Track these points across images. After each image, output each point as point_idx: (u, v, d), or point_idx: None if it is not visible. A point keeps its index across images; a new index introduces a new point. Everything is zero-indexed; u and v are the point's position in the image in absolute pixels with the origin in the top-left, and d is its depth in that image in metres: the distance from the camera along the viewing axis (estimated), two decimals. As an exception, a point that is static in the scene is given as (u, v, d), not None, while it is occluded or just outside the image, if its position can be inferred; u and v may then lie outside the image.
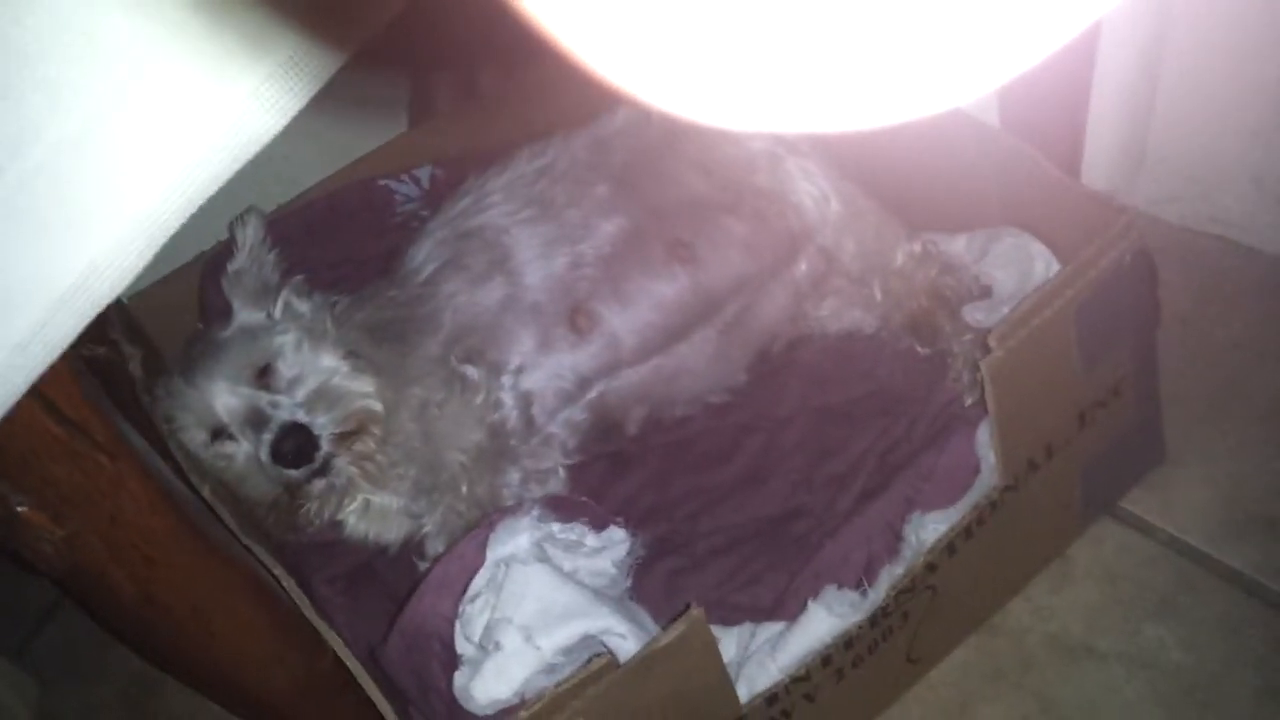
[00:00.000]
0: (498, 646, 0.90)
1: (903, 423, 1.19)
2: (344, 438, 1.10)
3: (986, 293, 1.16)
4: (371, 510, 1.18)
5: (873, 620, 0.98)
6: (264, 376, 1.11)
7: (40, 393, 0.68)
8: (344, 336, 1.16)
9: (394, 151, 1.47)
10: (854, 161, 1.23)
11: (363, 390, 1.13)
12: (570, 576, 0.95)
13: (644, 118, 1.24)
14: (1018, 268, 1.13)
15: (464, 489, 1.13)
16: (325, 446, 1.09)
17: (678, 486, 1.24)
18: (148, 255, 0.58)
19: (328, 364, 1.13)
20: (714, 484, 1.23)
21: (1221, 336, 1.28)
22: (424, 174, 1.47)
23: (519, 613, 0.91)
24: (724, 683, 0.93)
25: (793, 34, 0.24)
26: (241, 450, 1.09)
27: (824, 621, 0.97)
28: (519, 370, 1.18)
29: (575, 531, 1.00)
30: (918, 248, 1.21)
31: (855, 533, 1.02)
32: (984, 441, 1.01)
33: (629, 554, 1.03)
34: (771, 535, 1.16)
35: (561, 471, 1.19)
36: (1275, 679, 1.04)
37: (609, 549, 1.01)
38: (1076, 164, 1.31)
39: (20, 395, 0.59)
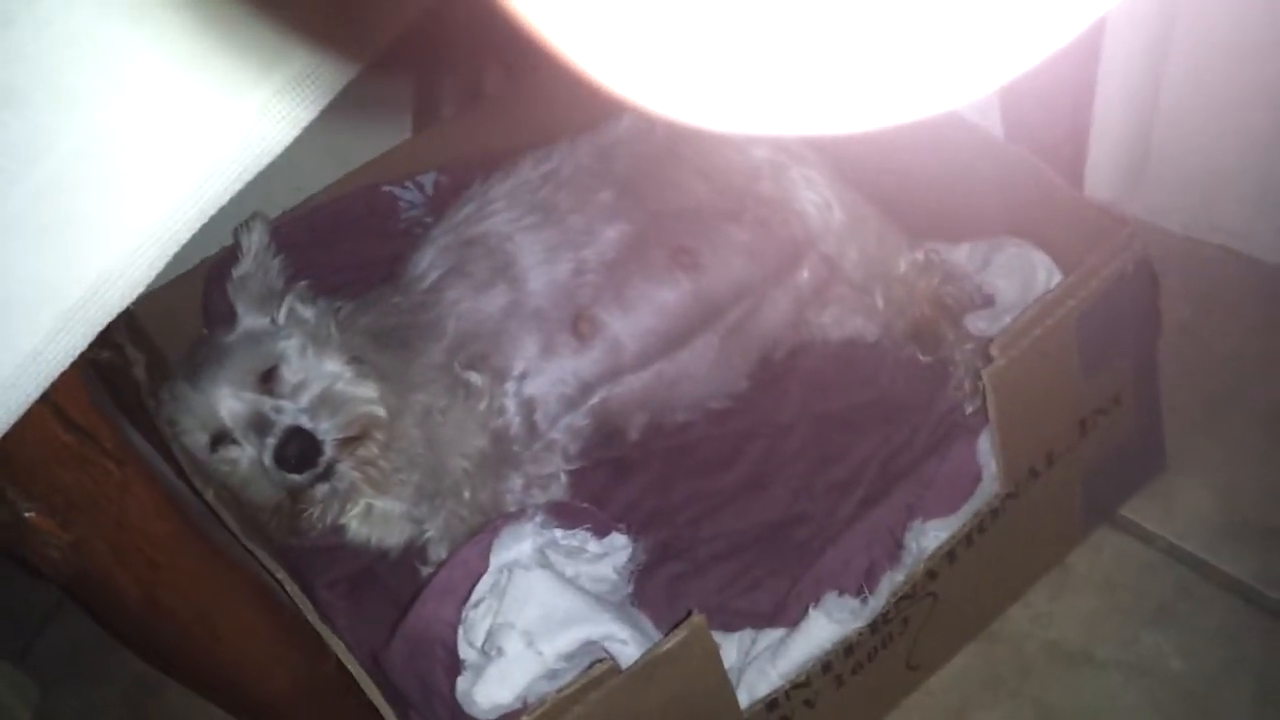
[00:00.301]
0: (500, 652, 0.90)
1: (904, 430, 1.19)
2: (347, 443, 1.10)
3: (989, 302, 1.16)
4: (374, 515, 1.18)
5: (873, 627, 0.99)
6: (268, 381, 1.11)
7: (50, 399, 0.69)
8: (348, 342, 1.16)
9: (398, 158, 1.48)
10: (857, 170, 1.23)
11: (366, 396, 1.13)
12: (572, 582, 0.96)
13: (648, 125, 1.24)
14: (1020, 277, 1.13)
15: (466, 494, 1.13)
16: (328, 451, 1.09)
17: (679, 492, 1.24)
18: (159, 265, 0.58)
19: (331, 369, 1.13)
20: (715, 489, 1.23)
21: (1222, 346, 1.28)
22: (428, 180, 1.47)
23: (521, 618, 0.91)
24: (725, 689, 0.94)
25: (790, 36, 0.24)
26: (245, 455, 1.10)
27: (824, 628, 0.97)
28: (522, 376, 1.18)
29: (577, 537, 1.01)
30: (920, 256, 1.21)
31: (856, 539, 1.03)
32: (985, 449, 1.01)
33: (630, 560, 1.03)
34: (773, 541, 1.16)
35: (563, 477, 1.19)
36: (1273, 687, 1.05)
37: (611, 555, 1.02)
38: (1079, 173, 1.31)
39: (32, 402, 0.59)
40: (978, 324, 1.14)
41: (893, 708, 1.12)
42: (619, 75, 0.26)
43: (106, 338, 1.10)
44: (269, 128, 0.58)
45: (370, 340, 1.18)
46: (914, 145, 1.10)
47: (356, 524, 1.18)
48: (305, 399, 1.10)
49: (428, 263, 1.23)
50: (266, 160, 0.59)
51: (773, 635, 1.01)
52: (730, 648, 1.01)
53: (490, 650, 0.91)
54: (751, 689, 0.97)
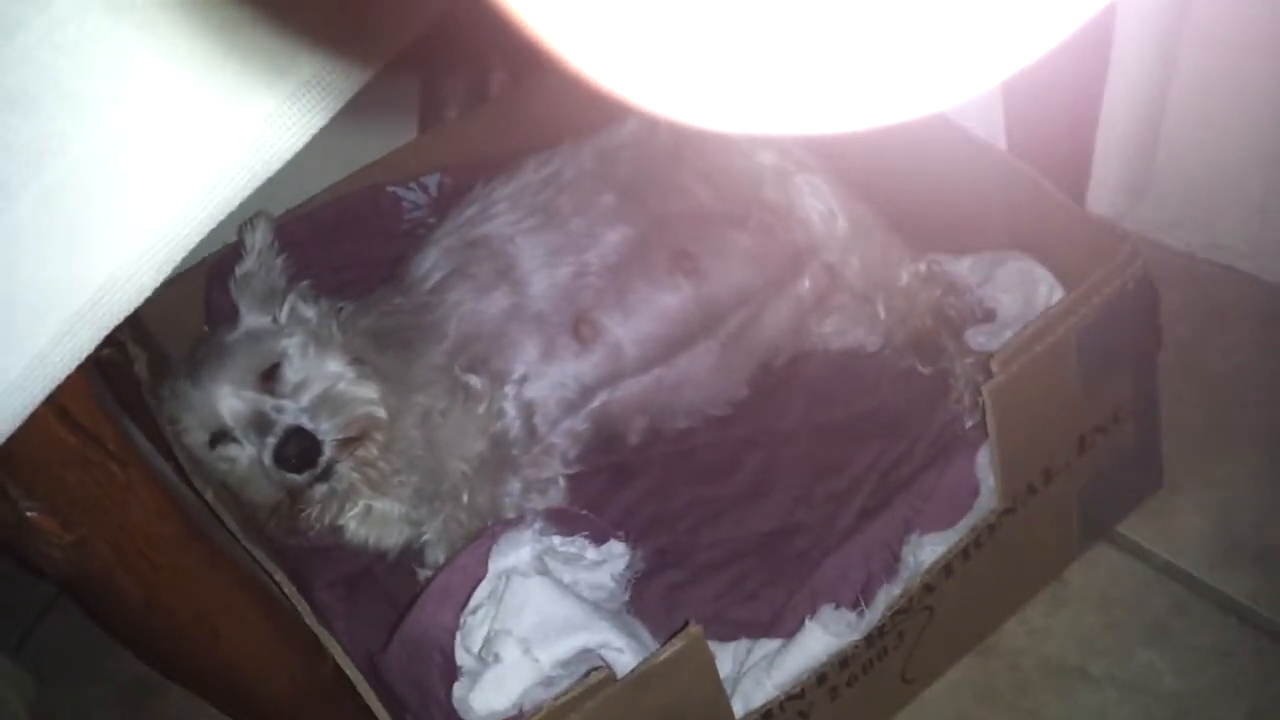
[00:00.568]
0: (497, 658, 0.90)
1: (904, 442, 1.19)
2: (347, 443, 1.10)
3: (990, 316, 1.16)
4: (372, 516, 1.18)
5: (869, 640, 0.99)
6: (269, 380, 1.11)
7: (55, 401, 0.69)
8: (349, 342, 1.17)
9: (403, 158, 1.48)
10: (861, 181, 1.23)
11: (367, 396, 1.13)
12: (570, 589, 0.96)
13: (651, 129, 1.24)
14: (1022, 292, 1.13)
15: (465, 498, 1.13)
16: (328, 452, 1.09)
17: (679, 498, 1.24)
18: (166, 270, 0.58)
19: (332, 369, 1.13)
20: (715, 496, 1.23)
21: (1221, 364, 1.29)
22: (432, 181, 1.47)
23: (518, 625, 0.91)
24: (720, 699, 0.94)
25: (786, 36, 0.24)
26: (244, 453, 1.10)
27: (820, 640, 0.97)
28: (522, 379, 1.18)
29: (575, 544, 1.01)
30: (923, 267, 1.21)
31: (854, 552, 1.03)
32: (984, 463, 1.01)
33: (628, 567, 1.03)
34: (771, 550, 1.16)
35: (562, 481, 1.20)
36: (1266, 706, 1.05)
37: (608, 562, 1.02)
38: (1082, 189, 1.31)
39: (38, 404, 0.59)
40: (979, 339, 1.14)
41: (887, 720, 1.12)
42: (618, 73, 0.25)
43: (109, 335, 1.10)
44: (278, 134, 0.58)
45: (371, 341, 1.18)
46: (917, 157, 1.10)
47: (355, 524, 1.18)
48: (306, 399, 1.10)
49: (430, 264, 1.23)
50: (275, 166, 0.59)
51: (768, 646, 1.01)
52: (725, 657, 1.01)
53: (487, 657, 0.91)
54: (747, 699, 0.97)
